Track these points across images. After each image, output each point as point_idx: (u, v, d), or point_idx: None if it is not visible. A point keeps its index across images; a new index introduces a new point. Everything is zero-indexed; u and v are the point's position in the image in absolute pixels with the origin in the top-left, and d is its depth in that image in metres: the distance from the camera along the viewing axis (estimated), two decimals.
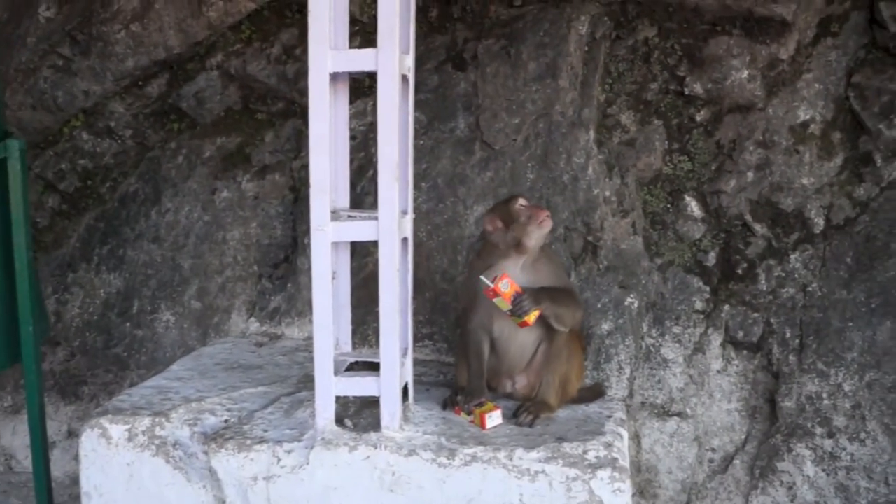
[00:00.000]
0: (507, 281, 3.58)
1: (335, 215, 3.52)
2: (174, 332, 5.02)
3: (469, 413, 3.69)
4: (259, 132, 5.28)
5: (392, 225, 3.37)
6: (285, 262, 5.05)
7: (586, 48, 4.80)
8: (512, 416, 3.65)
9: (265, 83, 5.21)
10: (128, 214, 5.26)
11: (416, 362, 4.38)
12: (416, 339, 4.57)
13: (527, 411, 3.65)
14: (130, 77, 5.30)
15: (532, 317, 3.60)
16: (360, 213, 3.69)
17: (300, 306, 4.85)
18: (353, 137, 4.93)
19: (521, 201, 3.77)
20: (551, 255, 3.90)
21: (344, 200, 3.78)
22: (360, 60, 3.37)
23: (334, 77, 3.46)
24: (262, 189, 5.17)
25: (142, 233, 5.20)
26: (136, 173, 5.36)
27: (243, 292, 5.04)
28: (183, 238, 5.14)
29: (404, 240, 3.60)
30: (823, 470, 4.27)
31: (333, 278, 3.65)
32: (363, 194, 4.81)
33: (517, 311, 3.58)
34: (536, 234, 3.69)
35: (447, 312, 4.64)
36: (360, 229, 3.45)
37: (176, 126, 5.38)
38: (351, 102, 4.82)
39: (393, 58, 3.28)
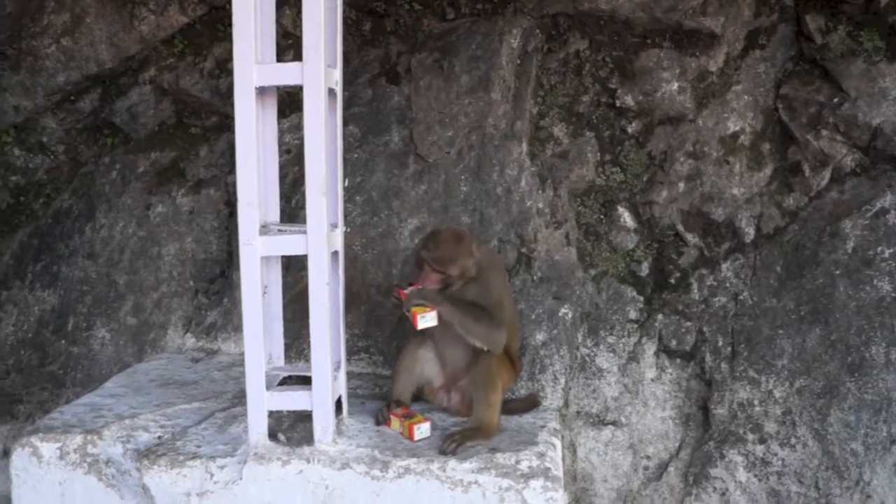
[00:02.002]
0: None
1: (265, 229, 3.51)
2: (110, 349, 4.96)
3: (386, 420, 3.72)
4: (193, 147, 5.26)
5: (320, 239, 3.38)
6: (221, 276, 5.03)
7: (518, 61, 4.82)
8: (441, 441, 3.63)
9: (198, 97, 5.19)
10: (62, 230, 5.21)
11: (351, 375, 4.37)
12: (351, 353, 4.55)
13: (450, 438, 3.60)
14: (62, 92, 5.25)
15: (424, 313, 3.62)
16: (290, 227, 3.68)
17: (236, 321, 4.80)
18: (287, 151, 4.95)
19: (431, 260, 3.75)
20: (486, 275, 3.83)
21: (274, 214, 3.78)
22: (286, 74, 3.38)
23: (261, 91, 3.46)
24: (197, 204, 5.13)
25: (76, 249, 5.14)
26: (69, 189, 5.30)
27: (179, 308, 5.01)
28: (118, 254, 5.09)
29: (334, 253, 3.61)
30: (755, 475, 4.30)
31: (265, 293, 3.65)
32: (298, 208, 4.77)
33: (406, 303, 3.63)
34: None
35: (383, 325, 4.63)
36: (290, 243, 3.44)
37: (109, 141, 5.34)
38: (286, 116, 4.95)
39: (318, 71, 3.29)
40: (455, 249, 3.74)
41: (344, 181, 4.59)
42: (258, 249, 3.40)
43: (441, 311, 3.65)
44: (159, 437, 3.67)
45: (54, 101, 5.28)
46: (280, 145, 4.72)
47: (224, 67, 5.16)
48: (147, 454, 3.52)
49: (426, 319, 3.62)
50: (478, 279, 3.79)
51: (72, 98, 5.30)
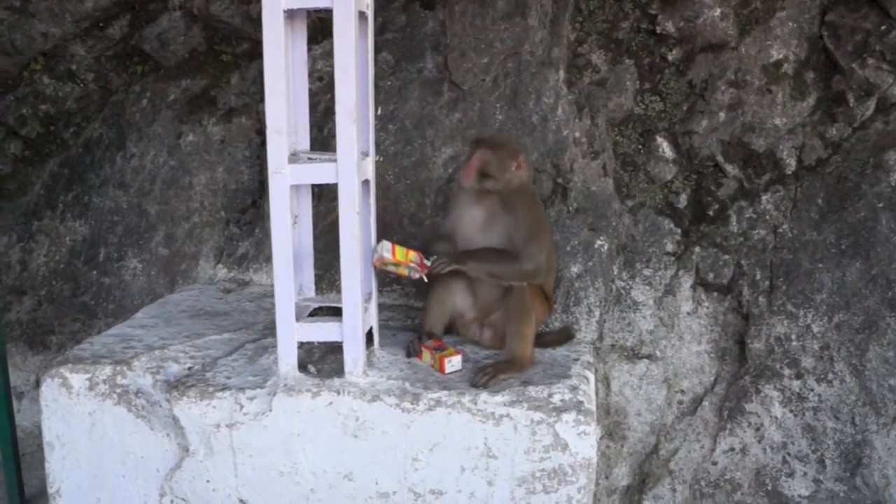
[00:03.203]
0: (386, 245, 3.57)
1: (294, 157, 3.47)
2: (141, 280, 4.97)
3: (417, 352, 3.71)
4: (224, 74, 5.20)
5: (351, 167, 3.32)
6: (253, 207, 5.01)
7: None
8: (473, 374, 3.59)
9: (229, 23, 5.11)
10: (92, 160, 5.19)
11: (383, 307, 4.38)
12: (383, 284, 4.55)
13: (482, 371, 3.56)
14: (90, 18, 5.19)
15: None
16: (321, 155, 3.64)
17: (268, 252, 4.78)
18: (319, 78, 4.90)
19: (478, 141, 3.76)
20: (527, 199, 3.78)
21: (304, 142, 3.74)
22: None
23: (290, 14, 3.39)
24: (228, 133, 5.10)
25: (107, 179, 5.13)
26: (99, 118, 5.28)
27: (211, 238, 5.00)
28: (149, 184, 5.08)
29: (365, 182, 3.56)
30: (791, 411, 4.27)
31: (295, 223, 3.66)
32: (330, 137, 4.73)
33: (434, 270, 3.61)
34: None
35: None
36: (319, 171, 3.40)
37: (139, 69, 5.29)
38: (318, 42, 4.89)
39: None
40: (504, 143, 3.78)
41: (376, 109, 4.62)
42: (287, 178, 3.36)
43: (468, 270, 3.66)
44: (189, 368, 3.66)
45: (83, 27, 5.22)
46: (312, 72, 4.76)
47: None
48: (177, 385, 3.51)
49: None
50: (519, 197, 3.74)
51: (101, 24, 5.23)
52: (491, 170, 3.70)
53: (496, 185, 3.71)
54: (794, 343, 4.31)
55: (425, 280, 3.64)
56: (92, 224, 5.10)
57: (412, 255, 3.61)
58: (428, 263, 3.63)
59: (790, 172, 4.53)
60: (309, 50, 4.76)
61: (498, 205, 3.72)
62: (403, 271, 3.60)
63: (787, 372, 4.30)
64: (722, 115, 4.61)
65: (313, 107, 4.61)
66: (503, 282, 3.70)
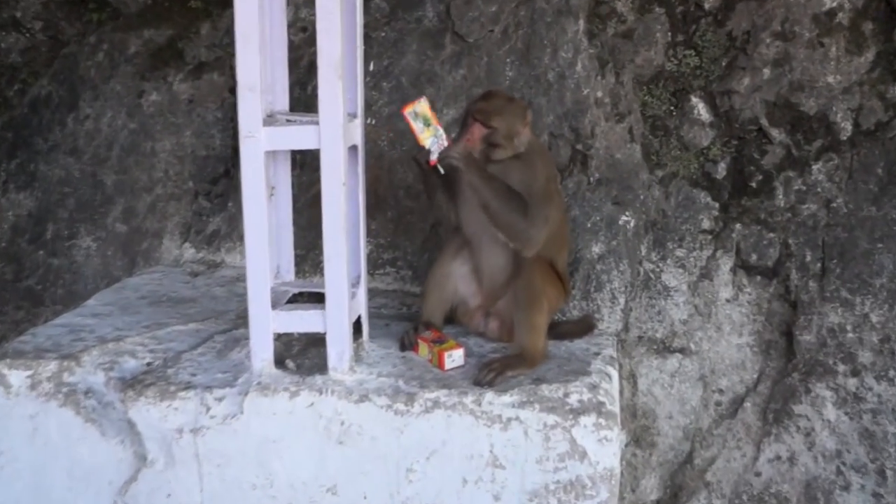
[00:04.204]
0: (424, 101, 3.54)
1: (270, 119, 3.46)
2: (96, 261, 4.96)
3: (412, 345, 3.71)
4: (193, 23, 5.19)
5: (336, 130, 3.30)
6: (225, 176, 5.01)
7: None
8: (477, 370, 3.57)
9: None
10: (40, 122, 5.18)
11: (374, 292, 4.35)
12: (375, 266, 4.55)
13: (488, 367, 3.53)
14: None
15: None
16: (301, 116, 3.60)
17: (242, 229, 4.73)
18: (303, 29, 4.90)
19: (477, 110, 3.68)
20: (534, 160, 3.75)
21: (283, 102, 3.71)
22: None
23: None
24: (197, 91, 5.10)
25: (57, 144, 5.12)
26: (48, 73, 5.27)
27: (176, 213, 5.00)
28: (105, 150, 5.06)
29: (353, 148, 3.54)
30: (846, 413, 4.23)
31: (271, 195, 3.61)
32: (314, 96, 4.67)
33: (443, 157, 3.52)
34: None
35: (412, 234, 4.61)
36: (299, 135, 3.38)
37: (95, 17, 5.27)
38: None
39: None
40: (507, 105, 3.71)
41: (368, 64, 4.63)
42: (262, 142, 3.34)
43: (470, 180, 3.56)
44: (148, 364, 3.65)
45: None
46: (294, 22, 4.80)
47: None
48: (133, 384, 3.48)
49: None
50: (524, 161, 3.71)
51: None
52: (497, 138, 3.65)
53: (505, 154, 3.68)
54: (850, 335, 4.27)
55: (439, 169, 3.55)
56: (39, 196, 5.09)
57: (441, 130, 3.56)
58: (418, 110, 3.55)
59: (845, 138, 4.50)
60: None
61: (501, 169, 3.67)
62: (427, 136, 3.52)
63: (841, 368, 4.25)
64: (766, 71, 4.58)
65: (295, 61, 4.62)
66: (496, 224, 3.60)
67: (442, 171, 3.53)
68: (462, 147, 3.56)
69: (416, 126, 3.51)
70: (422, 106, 3.51)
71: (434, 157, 3.52)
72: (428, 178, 3.71)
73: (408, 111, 3.51)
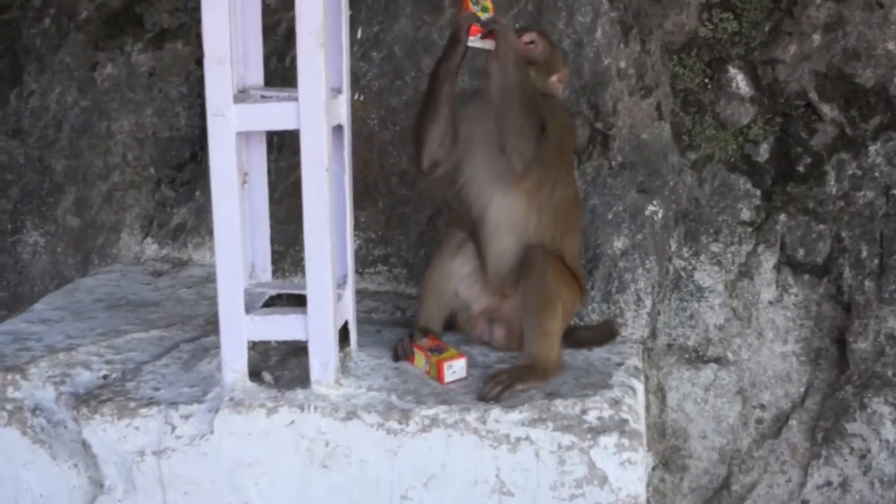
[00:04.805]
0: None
1: (242, 95, 3.46)
2: (44, 259, 4.98)
3: (408, 355, 3.72)
4: None
5: (317, 107, 3.30)
6: (192, 161, 5.03)
7: None
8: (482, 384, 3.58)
9: None
10: None
11: (364, 294, 4.38)
12: (365, 264, 4.56)
13: (494, 380, 3.54)
14: None
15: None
16: (278, 92, 3.61)
17: (212, 221, 4.77)
18: None
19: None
20: (554, 104, 3.85)
21: (256, 75, 3.72)
22: None
23: None
24: (159, 63, 5.11)
25: None
26: None
27: (136, 203, 5.02)
28: (53, 131, 5.09)
29: (338, 128, 3.54)
30: None
31: (244, 182, 3.62)
32: (294, 68, 4.69)
33: (489, 21, 3.61)
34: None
35: (407, 227, 4.62)
36: (275, 114, 3.39)
37: None
38: None
39: None
40: (548, 37, 3.97)
41: (355, 31, 4.64)
42: (232, 122, 3.34)
43: (504, 53, 3.58)
44: (105, 377, 3.66)
45: None
46: None
47: None
48: (87, 399, 3.49)
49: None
50: (550, 102, 3.80)
51: None
52: (537, 54, 3.80)
53: (536, 80, 3.76)
54: None
55: (471, 41, 3.62)
56: None
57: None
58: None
59: None
60: None
61: None
62: (478, 7, 3.62)
63: None
64: (816, 37, 4.60)
65: (271, 28, 4.63)
66: (500, 120, 3.62)
67: (478, 43, 3.60)
68: (509, 24, 3.73)
69: (473, 4, 3.61)
70: (487, 1, 3.62)
71: (480, 24, 3.59)
72: (445, 64, 3.70)
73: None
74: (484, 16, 3.60)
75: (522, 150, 3.60)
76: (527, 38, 3.79)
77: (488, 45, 3.60)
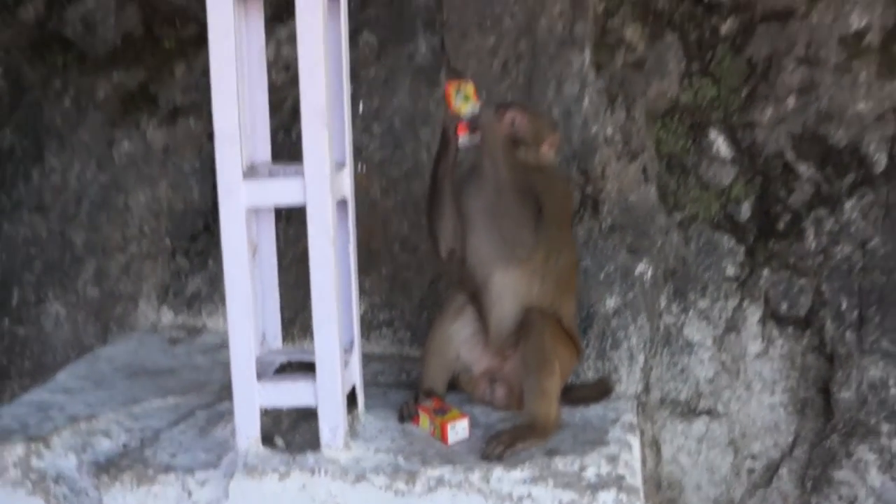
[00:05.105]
0: (471, 83, 3.63)
1: (251, 172, 3.45)
2: (66, 329, 4.95)
3: (413, 416, 3.71)
4: (167, 65, 5.16)
5: (322, 183, 3.30)
6: (205, 231, 4.99)
7: None
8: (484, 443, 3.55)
9: (171, 1, 5.09)
10: (3, 177, 5.17)
11: (370, 358, 4.33)
12: (370, 328, 4.55)
13: (496, 440, 3.52)
14: None
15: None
16: (285, 167, 3.60)
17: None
18: (286, 67, 4.88)
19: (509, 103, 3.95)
20: (553, 182, 3.84)
21: (264, 151, 3.72)
22: None
23: None
24: (172, 139, 5.07)
25: (20, 200, 5.11)
26: (10, 123, 5.25)
27: (153, 273, 4.99)
28: (74, 206, 5.06)
29: (342, 201, 3.55)
30: (893, 478, 4.22)
31: (255, 253, 3.61)
32: (300, 141, 4.67)
33: (474, 118, 3.59)
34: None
35: (410, 291, 4.60)
36: (282, 190, 3.38)
37: (60, 60, 5.24)
38: (283, 21, 4.84)
39: None
40: (538, 111, 4.01)
41: (357, 106, 4.63)
42: (242, 199, 3.34)
43: (492, 149, 3.58)
44: (124, 445, 3.62)
45: None
46: (276, 60, 4.79)
47: None
48: (108, 467, 3.45)
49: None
50: (545, 175, 3.78)
51: (10, 5, 5.21)
52: (525, 135, 3.75)
53: (527, 156, 3.74)
54: (894, 390, 4.25)
55: (461, 140, 3.62)
56: (2, 259, 5.09)
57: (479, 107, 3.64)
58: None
59: (880, 171, 4.46)
60: (272, 32, 4.79)
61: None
62: (463, 106, 3.59)
63: (885, 428, 4.24)
64: (791, 101, 4.55)
65: (278, 104, 4.63)
66: (497, 211, 3.62)
67: (468, 140, 3.59)
68: (495, 116, 3.65)
69: (455, 99, 3.58)
70: (467, 85, 3.60)
71: (465, 122, 3.57)
72: (441, 165, 3.71)
73: (452, 84, 3.60)
74: (467, 109, 3.58)
75: (524, 240, 3.62)
76: (508, 118, 3.74)
77: (476, 139, 3.60)
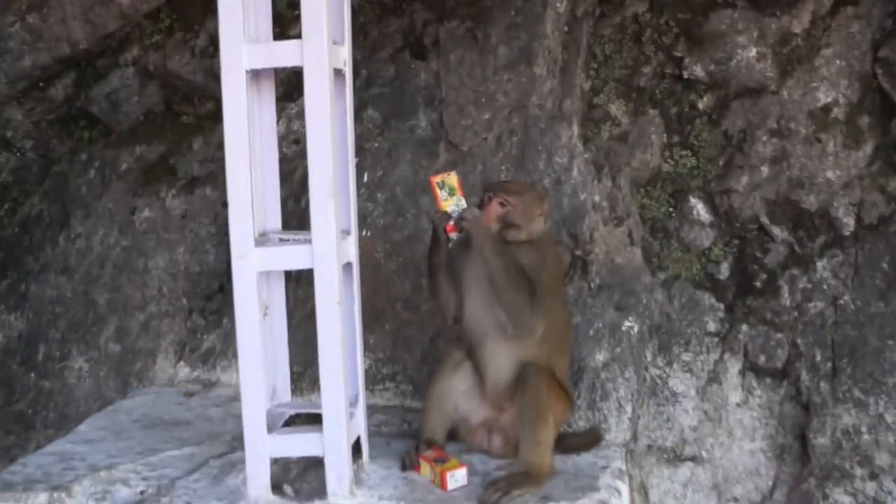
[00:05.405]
0: (454, 174, 3.62)
1: (262, 239, 3.44)
2: (88, 383, 4.91)
3: (414, 465, 3.66)
4: (185, 139, 5.21)
5: (329, 249, 3.29)
6: (220, 292, 4.97)
7: (566, 28, 4.74)
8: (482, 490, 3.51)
9: (190, 80, 5.14)
10: (31, 241, 5.18)
11: (374, 409, 4.30)
12: (374, 381, 4.50)
13: (493, 487, 3.48)
14: (29, 78, 5.21)
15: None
16: (294, 235, 3.59)
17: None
18: (296, 141, 4.90)
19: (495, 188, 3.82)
20: (545, 253, 3.78)
21: (275, 220, 3.70)
22: (283, 54, 3.31)
23: (255, 74, 3.40)
24: (190, 206, 5.09)
25: (48, 263, 5.11)
26: (39, 192, 5.28)
27: (170, 331, 4.96)
28: (97, 268, 5.05)
29: (347, 265, 3.52)
30: None
31: (266, 314, 3.58)
32: (309, 210, 4.72)
33: (460, 218, 3.56)
34: None
35: (411, 347, 4.56)
36: (292, 256, 3.38)
37: (86, 134, 5.30)
38: (294, 100, 4.91)
39: (321, 50, 3.21)
40: (525, 188, 3.90)
41: (362, 176, 4.64)
42: (254, 264, 3.33)
43: (482, 246, 3.57)
44: (141, 493, 3.58)
45: (20, 88, 5.24)
46: (287, 135, 4.84)
47: (219, 45, 5.08)
48: None
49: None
50: (536, 248, 3.74)
51: (41, 84, 5.25)
52: (514, 217, 3.70)
53: (518, 236, 3.71)
54: (866, 436, 4.21)
55: (453, 238, 3.60)
56: (30, 317, 5.06)
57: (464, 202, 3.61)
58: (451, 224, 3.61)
59: (848, 233, 4.48)
60: (283, 109, 4.82)
61: (513, 252, 3.67)
62: (449, 203, 3.58)
63: (858, 472, 4.19)
64: (764, 169, 4.59)
65: (289, 175, 4.63)
66: (499, 300, 3.60)
67: (456, 236, 3.57)
68: (479, 213, 3.61)
69: (441, 193, 3.57)
70: (451, 177, 3.59)
71: (453, 223, 3.55)
72: (435, 255, 3.73)
73: (436, 179, 3.59)
74: (452, 205, 3.58)
75: (523, 321, 3.62)
76: (495, 207, 3.68)
77: (464, 236, 3.60)
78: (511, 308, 3.60)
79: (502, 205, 3.69)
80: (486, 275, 3.59)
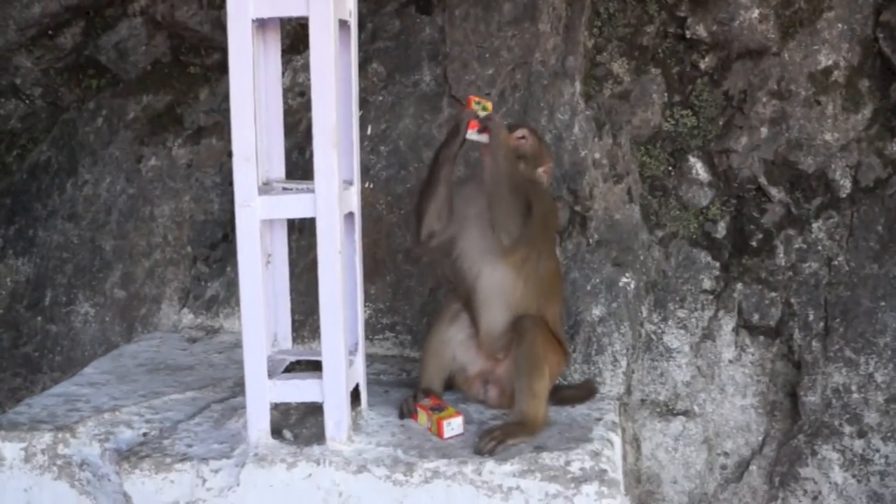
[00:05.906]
0: (490, 101, 3.68)
1: (266, 188, 3.43)
2: (94, 327, 4.91)
3: (411, 413, 3.66)
4: (192, 89, 5.18)
5: (331, 198, 3.26)
6: (224, 241, 4.96)
7: None
8: (478, 438, 3.51)
9: (197, 31, 5.09)
10: (38, 188, 5.15)
11: (374, 358, 4.31)
12: (374, 331, 4.49)
13: (488, 435, 3.47)
14: (38, 26, 5.16)
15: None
16: (297, 184, 3.57)
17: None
18: (301, 93, 4.87)
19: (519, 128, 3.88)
20: (544, 197, 3.82)
21: (279, 169, 3.68)
22: (288, 3, 3.24)
23: (261, 24, 3.38)
24: (196, 156, 5.07)
25: (55, 209, 5.09)
26: (47, 139, 5.25)
27: (175, 278, 4.96)
28: (104, 215, 5.04)
29: (349, 215, 3.50)
30: (854, 475, 4.18)
31: (268, 262, 3.58)
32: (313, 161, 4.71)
33: (486, 118, 3.60)
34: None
35: (411, 298, 4.55)
36: (295, 204, 3.35)
37: (94, 83, 5.27)
38: (300, 52, 4.87)
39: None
40: (543, 140, 3.94)
41: (365, 128, 4.62)
42: (257, 211, 3.31)
43: (496, 147, 3.57)
44: (144, 435, 3.58)
45: (29, 35, 5.20)
46: (293, 86, 4.82)
47: None
48: (129, 456, 3.39)
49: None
50: (537, 188, 3.75)
51: (50, 32, 5.20)
52: (526, 149, 3.75)
53: (524, 170, 3.71)
54: (855, 395, 4.22)
55: (469, 134, 3.61)
56: (37, 262, 5.05)
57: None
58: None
59: (845, 195, 4.47)
60: (289, 61, 4.78)
61: None
62: (479, 111, 3.60)
63: (847, 429, 4.21)
64: (764, 130, 4.56)
65: (294, 126, 4.60)
66: (492, 204, 3.58)
67: (475, 136, 3.58)
68: (504, 124, 3.67)
69: (474, 106, 3.60)
70: (487, 102, 3.62)
71: (478, 120, 3.57)
72: (446, 148, 3.68)
73: (474, 98, 3.63)
74: (483, 114, 3.58)
75: (510, 228, 3.56)
76: (518, 133, 3.75)
77: (484, 139, 3.57)
78: (504, 212, 3.57)
79: (522, 139, 3.74)
80: (491, 176, 3.57)
